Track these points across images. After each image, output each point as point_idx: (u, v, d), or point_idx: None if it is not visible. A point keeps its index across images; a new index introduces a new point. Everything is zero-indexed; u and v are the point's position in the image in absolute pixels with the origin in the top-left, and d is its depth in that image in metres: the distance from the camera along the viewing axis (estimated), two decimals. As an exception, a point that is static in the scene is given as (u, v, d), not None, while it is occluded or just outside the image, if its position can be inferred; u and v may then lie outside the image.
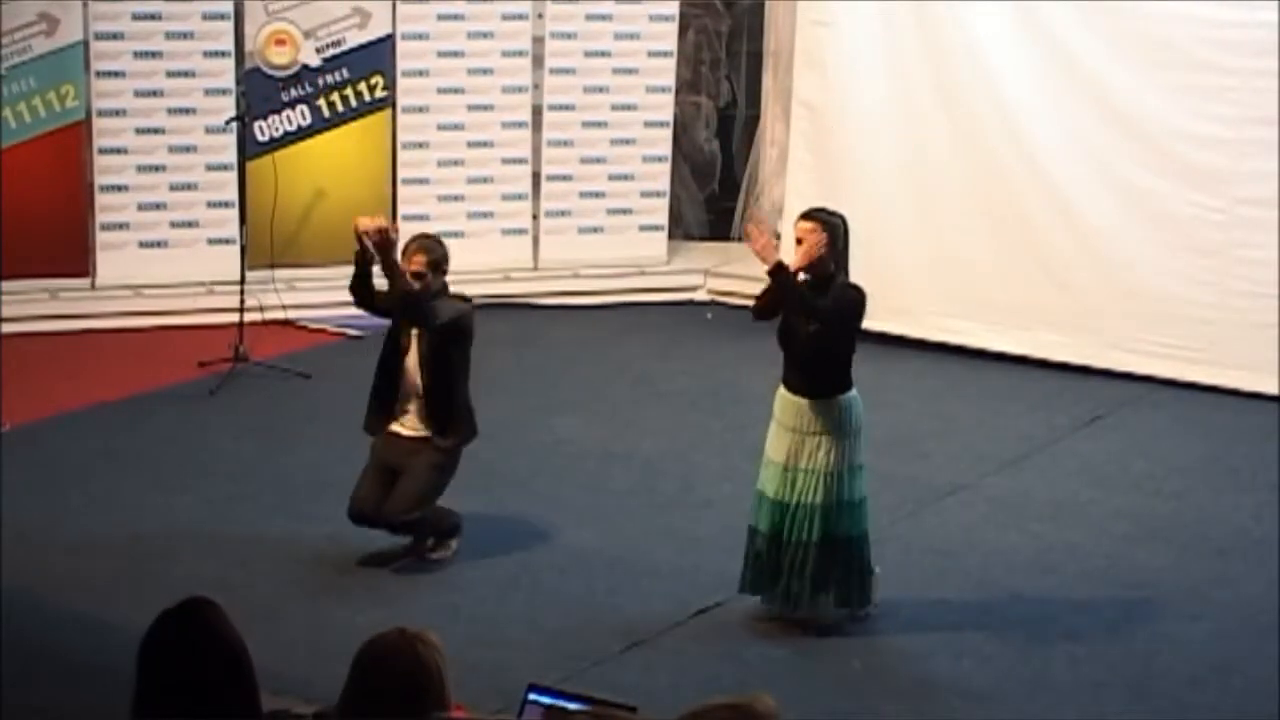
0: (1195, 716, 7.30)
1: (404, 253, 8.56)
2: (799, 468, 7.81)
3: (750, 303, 13.37)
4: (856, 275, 12.53)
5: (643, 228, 14.22)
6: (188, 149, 13.11)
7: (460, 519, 8.71)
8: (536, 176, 13.95)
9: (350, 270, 8.63)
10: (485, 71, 13.69)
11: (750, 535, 7.98)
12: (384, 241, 8.37)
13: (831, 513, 7.81)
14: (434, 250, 8.56)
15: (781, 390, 7.96)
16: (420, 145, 13.65)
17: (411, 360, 8.53)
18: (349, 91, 13.43)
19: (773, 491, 7.86)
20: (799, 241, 7.78)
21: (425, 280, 8.45)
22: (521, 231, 13.97)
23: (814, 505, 7.78)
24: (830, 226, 7.81)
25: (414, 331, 8.54)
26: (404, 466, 8.50)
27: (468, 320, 8.55)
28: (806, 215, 7.88)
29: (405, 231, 13.46)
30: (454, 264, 13.31)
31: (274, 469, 9.94)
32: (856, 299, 7.88)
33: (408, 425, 8.60)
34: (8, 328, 12.38)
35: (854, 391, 7.92)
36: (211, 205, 13.18)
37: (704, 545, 8.80)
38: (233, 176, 13.03)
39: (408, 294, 8.40)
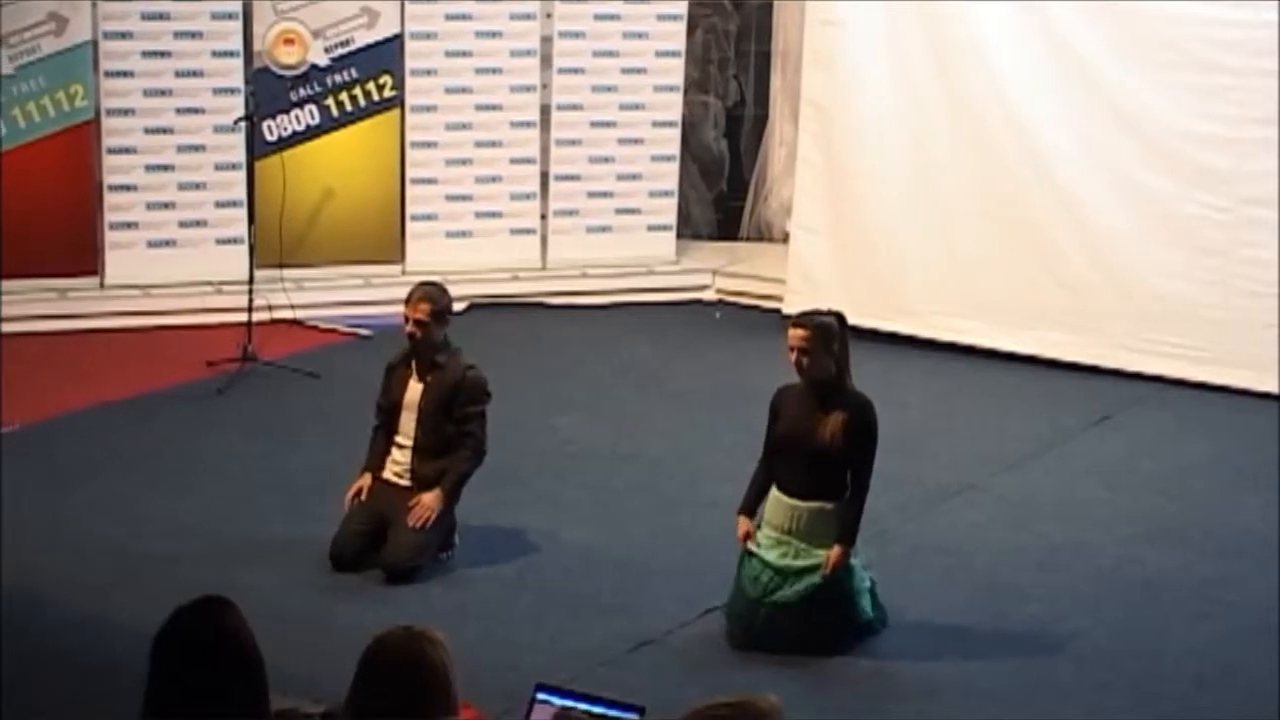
0: (1202, 717, 7.30)
1: (408, 299, 8.50)
2: (793, 568, 7.70)
3: (759, 303, 13.54)
4: (865, 276, 12.68)
5: (651, 227, 14.23)
6: (196, 148, 13.14)
7: (454, 518, 8.71)
8: (545, 176, 13.95)
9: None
10: (493, 71, 13.70)
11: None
12: None
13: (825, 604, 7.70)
14: (439, 300, 8.48)
15: (776, 494, 7.81)
16: (429, 145, 13.66)
17: (409, 410, 8.51)
18: (357, 91, 13.45)
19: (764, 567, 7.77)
20: (792, 349, 7.61)
21: (427, 329, 8.40)
22: (529, 231, 13.98)
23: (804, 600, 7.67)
24: (822, 329, 7.61)
25: (414, 380, 8.52)
26: (393, 518, 8.44)
27: (477, 381, 8.50)
28: (799, 322, 7.68)
29: (413, 232, 13.61)
30: (463, 263, 13.50)
31: (281, 469, 9.95)
32: (874, 425, 7.71)
33: (397, 474, 8.60)
34: (16, 327, 12.40)
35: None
36: (220, 205, 13.20)
37: (711, 545, 8.77)
38: (241, 176, 13.03)
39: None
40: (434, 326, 8.42)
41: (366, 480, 8.57)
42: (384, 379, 8.69)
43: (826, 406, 7.64)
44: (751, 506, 7.86)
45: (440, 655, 4.20)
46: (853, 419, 7.62)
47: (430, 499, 8.41)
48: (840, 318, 7.76)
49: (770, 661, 7.61)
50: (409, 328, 8.45)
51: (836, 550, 7.61)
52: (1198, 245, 11.76)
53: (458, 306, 13.10)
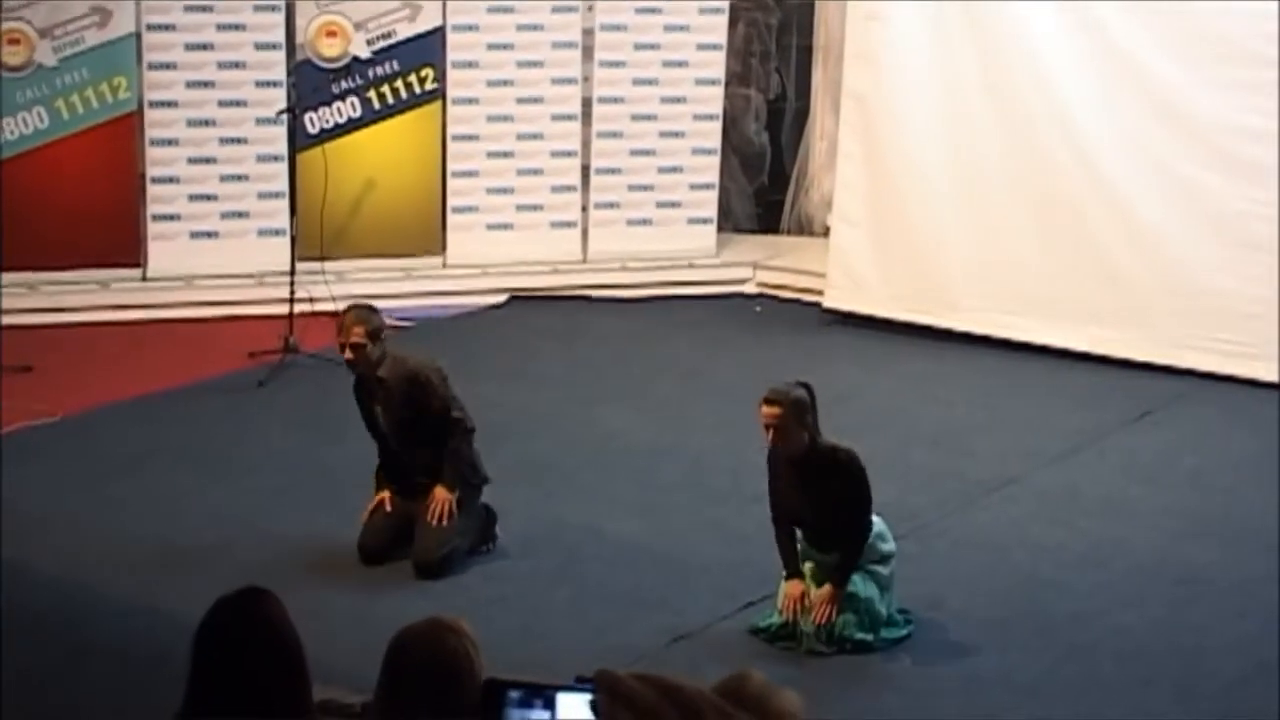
0: (1243, 715, 7.27)
1: (340, 326, 8.50)
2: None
3: (800, 296, 13.52)
4: (907, 270, 12.65)
5: (691, 220, 14.22)
6: (238, 140, 13.17)
7: (494, 512, 8.73)
8: (585, 169, 13.96)
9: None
10: (535, 64, 13.71)
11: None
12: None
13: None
14: (370, 320, 8.46)
15: (804, 547, 7.85)
16: (470, 137, 13.68)
17: (382, 424, 8.57)
18: (399, 83, 13.47)
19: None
20: (767, 428, 7.57)
21: (364, 351, 8.39)
22: (570, 224, 13.98)
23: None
24: (795, 404, 7.55)
25: (376, 404, 8.54)
26: (417, 510, 8.47)
27: (421, 377, 8.46)
28: (771, 399, 7.56)
29: (454, 225, 13.62)
30: (503, 255, 13.51)
31: (322, 460, 9.97)
32: (858, 482, 7.67)
33: (420, 479, 8.63)
34: (59, 318, 12.47)
35: (879, 525, 7.81)
36: (262, 196, 13.23)
37: (751, 539, 8.75)
38: (283, 168, 13.06)
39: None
40: (370, 348, 8.40)
41: (385, 494, 8.61)
42: (357, 401, 8.72)
43: (806, 476, 7.65)
44: (797, 568, 7.82)
45: (464, 646, 4.19)
46: (835, 484, 7.64)
47: (441, 493, 8.44)
48: (808, 387, 7.67)
49: (810, 655, 7.60)
50: (346, 354, 8.46)
51: (826, 590, 7.65)
52: (1244, 240, 11.69)
53: (499, 299, 13.32)
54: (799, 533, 7.86)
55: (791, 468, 7.68)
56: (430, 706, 4.11)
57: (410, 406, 8.45)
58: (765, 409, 7.57)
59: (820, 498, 7.66)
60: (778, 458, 7.75)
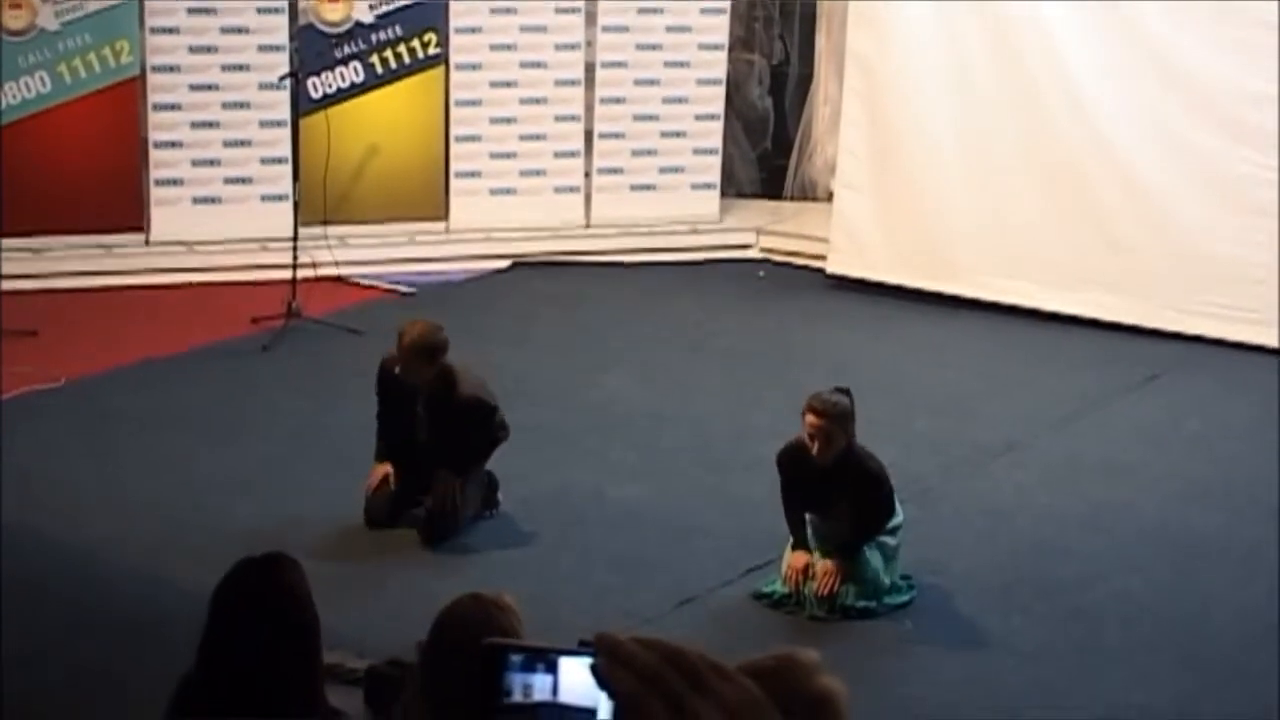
0: (1247, 679, 7.28)
1: (399, 340, 8.39)
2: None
3: (803, 261, 13.50)
4: (910, 235, 12.64)
5: (695, 186, 14.20)
6: (241, 105, 13.14)
7: (496, 478, 8.73)
8: (589, 134, 13.93)
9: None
10: (538, 28, 13.67)
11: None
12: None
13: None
14: (428, 339, 8.34)
15: (814, 525, 7.89)
16: (473, 102, 13.64)
17: (422, 427, 8.50)
18: (402, 48, 13.43)
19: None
20: (811, 438, 7.57)
21: (420, 370, 8.32)
22: (573, 189, 13.96)
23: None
24: (840, 415, 7.59)
25: (420, 408, 8.48)
26: (423, 478, 8.44)
27: (481, 406, 8.41)
28: (816, 409, 7.57)
29: (457, 190, 13.60)
30: (506, 221, 13.51)
31: (325, 425, 9.97)
32: (883, 492, 7.75)
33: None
34: (62, 283, 12.46)
35: (899, 513, 7.85)
36: (265, 162, 13.21)
37: (754, 503, 8.77)
38: (286, 133, 13.04)
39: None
40: (426, 368, 8.34)
41: (388, 469, 8.59)
42: (382, 386, 8.65)
43: (835, 479, 7.67)
44: (804, 539, 7.86)
45: (510, 621, 4.21)
46: (860, 491, 7.69)
47: (443, 486, 8.41)
48: (849, 394, 7.71)
49: (814, 620, 7.61)
50: (396, 369, 8.42)
51: (830, 563, 7.68)
52: (1247, 205, 11.68)
53: (502, 264, 13.30)
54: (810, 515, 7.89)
55: (819, 470, 7.66)
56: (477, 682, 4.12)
57: (459, 423, 8.37)
58: (810, 418, 7.57)
59: (843, 500, 7.70)
60: (798, 459, 7.73)
